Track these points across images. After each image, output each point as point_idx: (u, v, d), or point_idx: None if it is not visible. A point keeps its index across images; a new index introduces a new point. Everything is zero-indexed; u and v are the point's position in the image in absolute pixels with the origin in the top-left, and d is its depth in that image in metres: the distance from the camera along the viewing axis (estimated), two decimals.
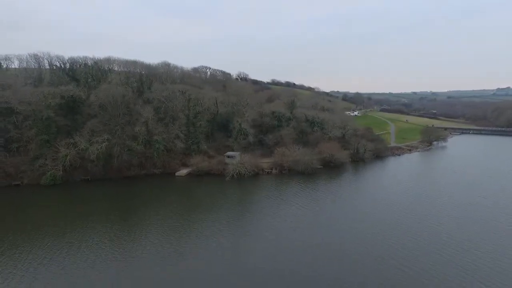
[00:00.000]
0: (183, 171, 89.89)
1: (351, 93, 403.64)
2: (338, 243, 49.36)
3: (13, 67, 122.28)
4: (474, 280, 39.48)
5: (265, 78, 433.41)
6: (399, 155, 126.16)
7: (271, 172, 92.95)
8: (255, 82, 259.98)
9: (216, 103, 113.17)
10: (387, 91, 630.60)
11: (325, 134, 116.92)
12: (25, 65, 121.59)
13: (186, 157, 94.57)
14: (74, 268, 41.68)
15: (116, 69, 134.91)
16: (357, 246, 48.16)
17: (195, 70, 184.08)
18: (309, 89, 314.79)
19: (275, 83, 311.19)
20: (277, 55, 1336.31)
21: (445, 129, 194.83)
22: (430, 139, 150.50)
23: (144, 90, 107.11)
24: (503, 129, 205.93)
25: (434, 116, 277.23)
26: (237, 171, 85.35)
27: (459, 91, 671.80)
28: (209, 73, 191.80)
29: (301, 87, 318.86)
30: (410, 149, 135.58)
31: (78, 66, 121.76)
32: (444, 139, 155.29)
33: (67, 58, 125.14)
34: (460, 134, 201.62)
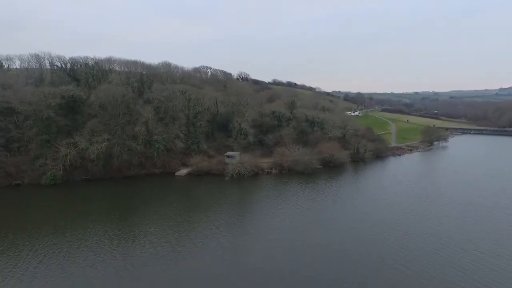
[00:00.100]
0: (183, 171, 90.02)
1: (353, 93, 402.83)
2: (338, 243, 49.37)
3: (14, 67, 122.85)
4: (473, 281, 39.41)
5: (267, 78, 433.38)
6: (400, 155, 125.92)
7: (270, 172, 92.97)
8: (256, 82, 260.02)
9: (216, 103, 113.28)
10: (388, 91, 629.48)
11: (325, 134, 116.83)
12: (26, 65, 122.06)
13: (186, 157, 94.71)
14: (74, 267, 41.84)
15: (117, 69, 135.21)
16: (357, 246, 48.16)
17: (196, 70, 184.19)
18: (310, 89, 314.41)
19: (276, 83, 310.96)
20: (277, 55, 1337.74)
21: (447, 129, 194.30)
22: (431, 139, 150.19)
23: (145, 90, 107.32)
24: (505, 129, 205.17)
25: (435, 116, 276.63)
26: (236, 171, 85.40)
27: (461, 91, 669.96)
28: (209, 73, 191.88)
29: (302, 87, 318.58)
30: (410, 149, 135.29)
31: (79, 66, 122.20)
32: (445, 139, 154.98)
33: (68, 58, 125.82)
34: (461, 134, 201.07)
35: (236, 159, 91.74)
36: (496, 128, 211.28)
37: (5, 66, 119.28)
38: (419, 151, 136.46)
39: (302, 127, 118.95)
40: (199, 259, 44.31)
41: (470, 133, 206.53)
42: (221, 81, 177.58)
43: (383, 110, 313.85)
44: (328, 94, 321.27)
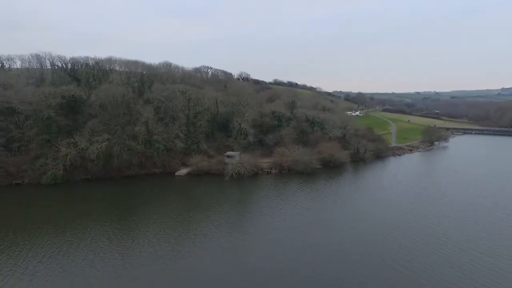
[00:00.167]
0: (183, 171, 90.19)
1: (354, 93, 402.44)
2: (338, 243, 49.36)
3: (15, 67, 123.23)
4: (472, 281, 39.39)
5: (268, 78, 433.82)
6: (400, 155, 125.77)
7: (270, 172, 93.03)
8: (257, 82, 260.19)
9: (216, 103, 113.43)
10: (390, 91, 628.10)
11: (325, 134, 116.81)
12: (27, 65, 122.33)
13: (186, 156, 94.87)
14: (73, 266, 41.99)
15: (117, 69, 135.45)
16: (357, 246, 48.15)
17: (197, 70, 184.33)
18: (311, 89, 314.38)
19: (277, 83, 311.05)
20: (277, 55, 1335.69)
21: (447, 129, 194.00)
22: (431, 139, 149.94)
23: (145, 90, 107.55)
24: (506, 129, 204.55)
25: (436, 116, 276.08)
26: (236, 171, 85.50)
27: (463, 91, 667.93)
28: (210, 73, 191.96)
29: (303, 87, 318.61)
30: (411, 149, 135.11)
31: (79, 66, 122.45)
32: (445, 139, 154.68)
33: (68, 58, 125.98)
34: (462, 134, 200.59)
35: (236, 159, 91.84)
36: (497, 128, 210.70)
37: (6, 66, 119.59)
38: (420, 151, 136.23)
39: (302, 127, 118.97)
40: (199, 259, 44.35)
41: (471, 133, 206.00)
42: (222, 81, 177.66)
43: (384, 110, 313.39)
44: (329, 94, 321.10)
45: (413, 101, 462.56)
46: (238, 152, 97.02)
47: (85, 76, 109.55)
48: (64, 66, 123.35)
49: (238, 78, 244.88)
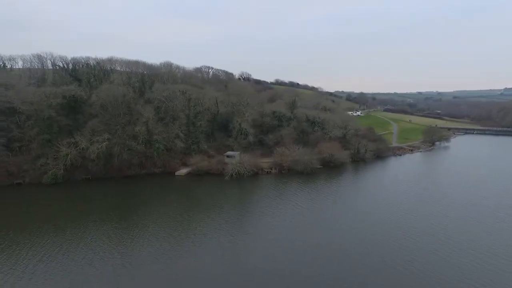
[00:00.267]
0: (183, 171, 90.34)
1: (355, 93, 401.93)
2: (338, 243, 49.30)
3: (17, 67, 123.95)
4: (471, 281, 39.29)
5: (269, 78, 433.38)
6: (401, 155, 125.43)
7: (270, 171, 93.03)
8: (258, 82, 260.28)
9: (217, 103, 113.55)
10: (392, 91, 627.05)
11: (326, 134, 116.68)
12: (29, 65, 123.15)
13: (186, 156, 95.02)
14: (73, 266, 42.18)
15: (118, 69, 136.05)
16: (357, 246, 48.10)
17: (198, 70, 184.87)
18: (313, 89, 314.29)
19: (278, 83, 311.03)
20: (277, 55, 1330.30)
21: (449, 129, 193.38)
22: (432, 139, 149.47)
23: (146, 90, 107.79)
24: (509, 129, 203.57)
25: (438, 116, 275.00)
26: (236, 170, 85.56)
27: (466, 91, 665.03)
28: (211, 73, 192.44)
29: (305, 87, 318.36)
30: (412, 149, 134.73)
31: (80, 66, 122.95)
32: (446, 139, 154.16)
33: (69, 58, 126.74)
34: (463, 134, 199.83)
35: (236, 159, 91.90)
36: (499, 128, 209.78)
37: (8, 67, 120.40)
38: (421, 151, 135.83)
39: (302, 127, 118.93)
40: (198, 259, 44.39)
41: (473, 133, 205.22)
42: (223, 81, 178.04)
43: (386, 110, 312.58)
44: (330, 94, 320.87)
45: (415, 101, 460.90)
46: (238, 152, 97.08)
47: (86, 76, 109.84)
48: (66, 66, 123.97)
49: (239, 78, 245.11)
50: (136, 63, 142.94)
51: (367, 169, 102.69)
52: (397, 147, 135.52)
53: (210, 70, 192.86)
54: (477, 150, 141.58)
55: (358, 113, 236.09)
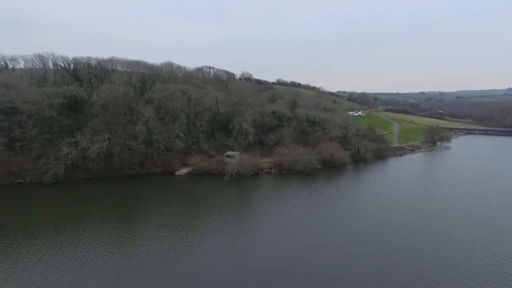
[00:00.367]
0: (183, 171, 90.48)
1: (357, 93, 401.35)
2: (338, 243, 49.24)
3: (19, 67, 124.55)
4: (471, 281, 39.15)
5: (270, 78, 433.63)
6: (401, 155, 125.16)
7: (270, 171, 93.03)
8: (259, 82, 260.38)
9: (217, 103, 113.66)
10: (394, 91, 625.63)
11: (326, 134, 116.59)
12: (30, 65, 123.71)
13: (186, 156, 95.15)
14: (72, 265, 42.30)
15: (119, 69, 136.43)
16: (357, 246, 48.04)
17: (199, 70, 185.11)
18: (314, 89, 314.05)
19: (280, 83, 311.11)
20: (278, 55, 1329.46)
21: (451, 129, 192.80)
22: (433, 140, 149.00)
23: (146, 90, 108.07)
24: (510, 129, 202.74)
25: (440, 116, 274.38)
26: (236, 170, 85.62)
27: (468, 91, 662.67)
28: (212, 73, 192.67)
29: (306, 87, 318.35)
30: (412, 150, 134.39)
31: (82, 66, 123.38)
32: (448, 139, 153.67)
33: (71, 58, 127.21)
34: (465, 134, 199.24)
35: (236, 158, 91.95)
36: (501, 129, 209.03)
37: (10, 67, 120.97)
38: (421, 151, 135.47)
39: (303, 127, 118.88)
40: (198, 259, 44.35)
41: (474, 133, 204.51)
42: (223, 81, 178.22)
43: (387, 110, 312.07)
44: (332, 94, 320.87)
45: (417, 101, 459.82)
46: (238, 152, 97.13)
47: (87, 76, 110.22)
48: (67, 66, 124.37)
49: (241, 78, 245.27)
50: (137, 63, 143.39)
51: (367, 169, 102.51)
52: (398, 147, 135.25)
53: (211, 70, 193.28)
54: (478, 150, 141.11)
55: (359, 113, 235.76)
